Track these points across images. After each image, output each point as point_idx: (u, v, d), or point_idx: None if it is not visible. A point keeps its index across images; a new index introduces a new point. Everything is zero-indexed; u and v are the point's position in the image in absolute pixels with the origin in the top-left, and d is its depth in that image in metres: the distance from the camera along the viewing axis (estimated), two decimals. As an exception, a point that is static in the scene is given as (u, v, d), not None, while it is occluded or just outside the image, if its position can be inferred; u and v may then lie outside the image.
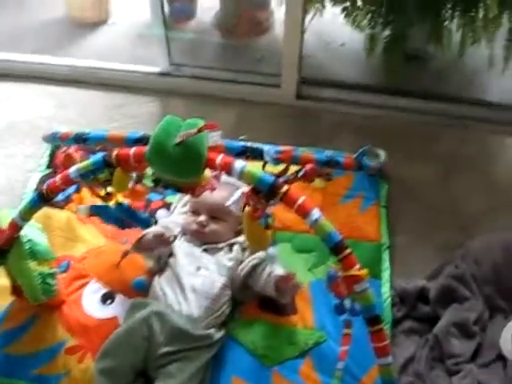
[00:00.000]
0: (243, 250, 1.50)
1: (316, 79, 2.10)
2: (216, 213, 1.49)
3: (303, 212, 1.15)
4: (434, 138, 1.98)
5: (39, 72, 2.20)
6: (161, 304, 1.38)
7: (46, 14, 2.66)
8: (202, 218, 1.49)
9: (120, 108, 2.09)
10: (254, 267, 1.46)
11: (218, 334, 1.37)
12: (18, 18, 2.64)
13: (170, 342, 1.31)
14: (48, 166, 1.83)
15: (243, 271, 1.45)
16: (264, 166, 1.21)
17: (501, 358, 1.40)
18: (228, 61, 2.30)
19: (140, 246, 1.45)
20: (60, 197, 1.64)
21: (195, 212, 1.51)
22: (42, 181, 1.77)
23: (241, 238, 1.50)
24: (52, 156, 1.85)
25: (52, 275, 1.38)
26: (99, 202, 1.41)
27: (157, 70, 2.14)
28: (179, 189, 1.25)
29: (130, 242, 1.55)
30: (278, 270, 1.44)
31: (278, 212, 1.63)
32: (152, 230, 1.47)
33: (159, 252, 1.45)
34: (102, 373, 1.30)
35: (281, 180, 1.17)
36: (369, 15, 2.07)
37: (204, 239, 1.49)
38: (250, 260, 1.47)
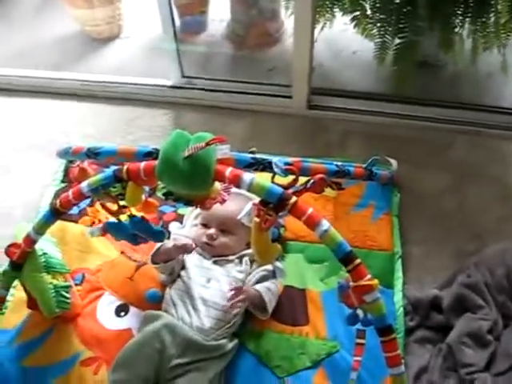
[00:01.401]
0: (251, 262, 1.51)
1: (327, 89, 2.10)
2: (226, 226, 1.50)
3: (312, 223, 1.16)
4: (446, 146, 1.97)
5: (55, 87, 2.23)
6: (172, 316, 1.39)
7: (59, 29, 2.69)
8: (212, 230, 1.50)
9: (134, 121, 2.11)
10: (261, 279, 1.47)
11: (230, 345, 1.38)
12: (32, 34, 2.67)
13: (182, 354, 1.32)
14: (62, 181, 1.86)
15: (250, 282, 1.47)
16: (273, 178, 1.21)
17: (516, 366, 1.39)
18: (239, 72, 2.31)
19: (158, 256, 1.46)
20: (74, 210, 1.67)
21: (205, 225, 1.53)
22: (57, 195, 1.79)
23: (250, 250, 1.50)
24: (66, 170, 1.88)
25: (66, 288, 1.41)
26: (112, 218, 1.43)
27: (169, 83, 2.16)
28: (189, 202, 1.26)
29: (144, 254, 1.57)
30: (271, 285, 1.45)
31: (290, 222, 1.64)
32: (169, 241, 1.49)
33: (173, 264, 1.47)
34: None
35: (290, 191, 1.18)
36: (379, 24, 2.07)
37: (214, 252, 1.50)
38: (258, 271, 1.49)
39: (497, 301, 1.48)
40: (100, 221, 1.70)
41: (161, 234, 1.44)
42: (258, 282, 1.46)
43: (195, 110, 2.13)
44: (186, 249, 1.45)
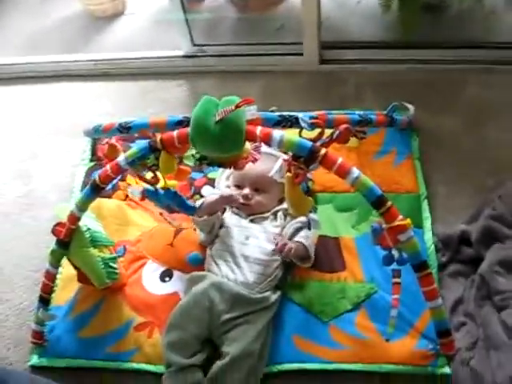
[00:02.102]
0: (285, 216, 1.57)
1: (337, 42, 2.12)
2: (259, 184, 1.55)
3: (343, 172, 1.21)
4: (459, 86, 1.98)
5: (69, 70, 2.26)
6: (216, 275, 1.46)
7: (62, 11, 2.72)
8: (246, 191, 1.55)
9: (151, 94, 2.14)
10: (296, 231, 1.53)
11: (274, 296, 1.45)
12: (36, 19, 2.70)
13: (231, 309, 1.40)
14: (91, 160, 1.91)
15: (286, 235, 1.53)
16: (300, 133, 1.26)
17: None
18: (248, 35, 2.33)
19: (204, 210, 1.52)
20: (108, 186, 1.72)
21: (239, 186, 1.58)
22: (88, 173, 1.85)
23: (284, 205, 1.56)
24: (93, 149, 1.93)
25: (113, 259, 1.48)
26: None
27: (181, 53, 2.18)
28: (223, 164, 1.32)
29: (182, 220, 1.63)
30: (303, 236, 1.51)
31: (318, 175, 1.69)
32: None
33: (214, 220, 1.53)
34: (169, 346, 1.38)
35: (318, 144, 1.23)
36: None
37: (249, 211, 1.56)
38: (292, 224, 1.54)
39: (523, 229, 1.53)
40: (141, 200, 1.75)
41: (192, 209, 1.53)
42: (294, 233, 1.52)
43: (209, 76, 2.15)
44: (231, 200, 1.52)
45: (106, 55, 2.25)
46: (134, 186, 1.63)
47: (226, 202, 1.53)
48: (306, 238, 1.49)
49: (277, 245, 1.46)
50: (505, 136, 1.83)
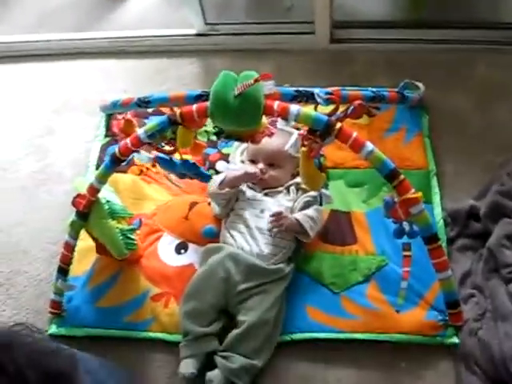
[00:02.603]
0: (298, 190, 1.60)
1: (348, 21, 2.13)
2: (273, 160, 1.59)
3: (357, 145, 1.25)
4: (469, 66, 2.00)
5: (81, 48, 2.29)
6: (232, 246, 1.50)
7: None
8: (261, 165, 1.59)
9: (164, 72, 2.16)
10: (306, 204, 1.57)
11: (288, 267, 1.49)
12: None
13: (247, 279, 1.44)
14: (106, 135, 1.94)
15: (296, 209, 1.56)
16: (316, 108, 1.29)
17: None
18: (260, 14, 2.34)
19: (226, 184, 1.55)
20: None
21: (253, 161, 1.61)
22: (103, 149, 1.89)
23: (296, 179, 1.60)
24: (108, 125, 1.96)
25: (132, 230, 1.52)
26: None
27: (193, 31, 2.20)
28: (240, 138, 1.35)
29: (198, 193, 1.67)
30: (312, 212, 1.54)
31: (329, 152, 1.72)
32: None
33: (232, 193, 1.56)
34: (186, 315, 1.43)
35: (333, 118, 1.26)
36: None
37: (264, 185, 1.59)
38: (303, 198, 1.58)
39: (531, 205, 1.56)
40: (148, 169, 1.79)
41: (208, 177, 1.58)
42: (303, 207, 1.56)
43: (221, 55, 2.17)
44: (255, 177, 1.55)
45: (119, 33, 2.27)
46: (143, 152, 1.66)
47: (250, 178, 1.56)
48: (305, 216, 1.52)
49: (272, 215, 1.49)
50: (512, 115, 1.85)
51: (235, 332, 1.39)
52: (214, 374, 1.36)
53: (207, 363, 1.40)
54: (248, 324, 1.38)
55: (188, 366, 1.38)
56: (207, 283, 1.44)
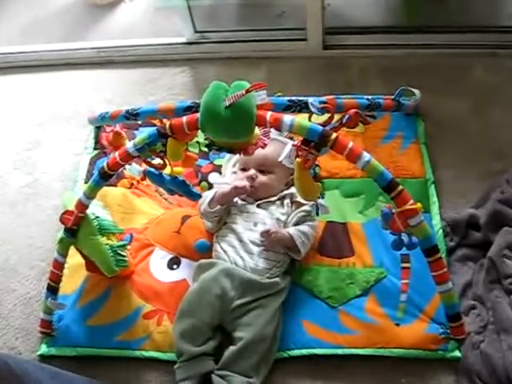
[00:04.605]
0: (292, 203, 1.56)
1: (340, 27, 2.11)
2: (263, 166, 1.55)
3: (354, 156, 1.21)
4: (464, 71, 1.98)
5: (68, 58, 2.24)
6: (226, 262, 1.45)
7: (60, 0, 2.69)
8: (251, 171, 1.55)
9: (153, 82, 2.12)
10: (301, 220, 1.53)
11: (284, 281, 1.45)
12: (34, 8, 2.66)
13: (242, 295, 1.40)
14: (95, 148, 1.90)
15: (291, 223, 1.52)
16: (310, 118, 1.26)
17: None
18: (251, 21, 2.30)
19: (216, 201, 1.51)
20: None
21: (244, 169, 1.58)
22: (92, 162, 1.85)
23: (291, 190, 1.56)
24: (97, 138, 1.92)
25: (122, 247, 1.47)
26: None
27: (183, 39, 2.16)
28: (232, 150, 1.31)
29: (189, 207, 1.63)
30: (305, 228, 1.50)
31: (323, 161, 1.68)
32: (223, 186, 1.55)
33: (222, 210, 1.52)
34: (180, 334, 1.38)
35: (328, 128, 1.23)
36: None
37: (256, 194, 1.55)
38: (297, 213, 1.54)
39: (532, 213, 1.53)
40: (138, 182, 1.75)
41: (198, 196, 1.53)
42: (298, 222, 1.52)
43: (212, 63, 2.14)
44: (245, 190, 1.50)
45: (107, 43, 2.23)
46: (134, 165, 1.63)
47: (239, 192, 1.52)
48: (299, 232, 1.48)
49: (262, 233, 1.45)
50: (509, 120, 1.83)
51: (232, 349, 1.35)
52: None
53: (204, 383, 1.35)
54: (245, 340, 1.34)
55: None
56: (201, 300, 1.40)
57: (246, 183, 1.51)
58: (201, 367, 1.35)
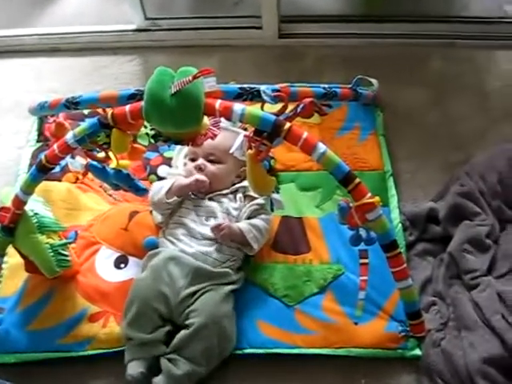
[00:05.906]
0: (245, 197, 1.50)
1: (296, 15, 2.06)
2: (212, 155, 1.48)
3: (308, 147, 1.15)
4: (422, 60, 1.96)
5: (10, 46, 2.13)
6: (175, 250, 1.39)
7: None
8: (200, 161, 1.48)
9: (100, 70, 2.03)
10: (253, 214, 1.47)
11: (237, 275, 1.40)
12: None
13: (191, 283, 1.34)
14: (38, 140, 1.79)
15: (242, 218, 1.47)
16: (262, 107, 1.19)
17: (516, 267, 1.42)
18: (206, 9, 2.23)
19: (173, 193, 1.44)
20: (56, 169, 1.62)
21: (194, 159, 1.51)
22: (35, 155, 1.74)
23: (244, 183, 1.49)
24: (40, 129, 1.81)
25: (63, 246, 1.39)
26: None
27: (132, 26, 2.08)
28: (179, 141, 1.24)
29: (139, 202, 1.55)
30: (258, 221, 1.44)
31: (278, 153, 1.63)
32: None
33: (177, 204, 1.46)
34: (128, 322, 1.31)
35: (281, 118, 1.16)
36: None
37: (207, 187, 1.47)
38: (249, 206, 1.48)
39: (492, 206, 1.50)
40: (84, 176, 1.65)
41: (144, 190, 1.46)
42: (250, 216, 1.46)
43: (163, 51, 2.06)
44: (204, 184, 1.44)
45: (52, 29, 2.13)
46: (78, 158, 1.54)
47: (200, 186, 1.44)
48: (250, 226, 1.42)
49: (212, 228, 1.40)
50: (468, 110, 1.82)
51: (183, 332, 1.29)
52: (158, 380, 1.26)
53: (155, 367, 1.29)
54: (197, 324, 1.27)
55: (136, 367, 1.27)
56: (149, 287, 1.32)
57: (204, 178, 1.45)
58: (151, 351, 1.29)
